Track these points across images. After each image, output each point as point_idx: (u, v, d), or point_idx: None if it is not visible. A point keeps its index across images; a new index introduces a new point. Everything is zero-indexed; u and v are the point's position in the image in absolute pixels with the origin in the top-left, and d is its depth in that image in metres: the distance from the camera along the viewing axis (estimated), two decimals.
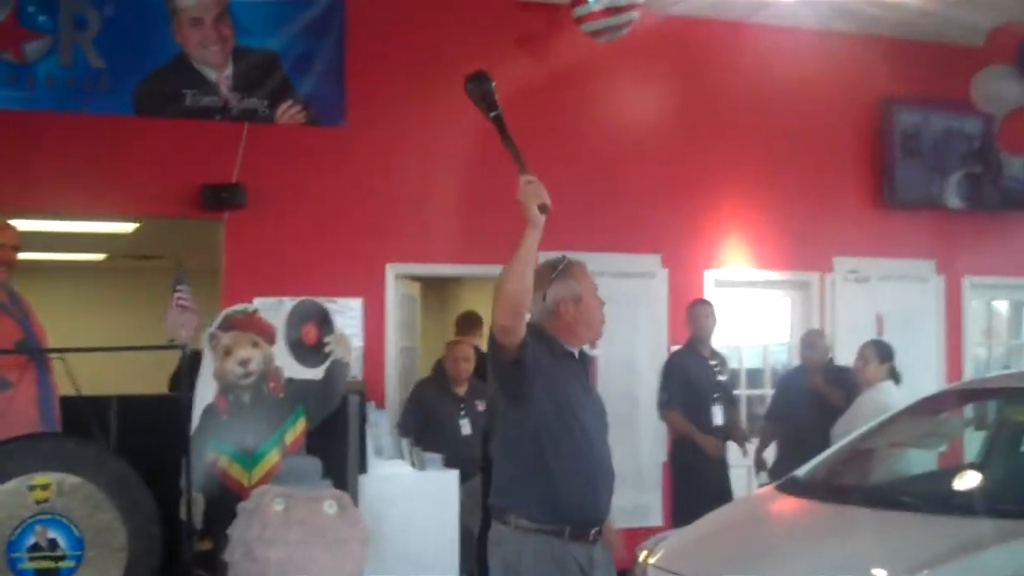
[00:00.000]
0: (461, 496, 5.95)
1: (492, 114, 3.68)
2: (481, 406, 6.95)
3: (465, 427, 7.02)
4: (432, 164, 7.99)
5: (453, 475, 5.84)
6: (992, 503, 4.71)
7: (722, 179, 8.75)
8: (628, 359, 8.33)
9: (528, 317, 3.49)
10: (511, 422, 3.60)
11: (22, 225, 5.62)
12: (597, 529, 3.61)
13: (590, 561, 3.58)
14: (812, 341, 7.53)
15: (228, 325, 5.44)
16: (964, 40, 8.54)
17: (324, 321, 5.69)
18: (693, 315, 7.40)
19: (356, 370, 7.17)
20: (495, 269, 8.09)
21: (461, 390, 7.18)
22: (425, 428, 6.91)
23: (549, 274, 3.72)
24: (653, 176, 8.52)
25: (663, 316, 8.44)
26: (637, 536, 4.99)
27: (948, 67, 8.73)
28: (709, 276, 8.70)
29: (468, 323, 8.33)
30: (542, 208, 3.37)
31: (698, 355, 7.28)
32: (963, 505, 4.66)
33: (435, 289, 10.27)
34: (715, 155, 8.71)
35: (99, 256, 11.56)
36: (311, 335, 5.60)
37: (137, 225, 8.97)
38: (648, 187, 8.50)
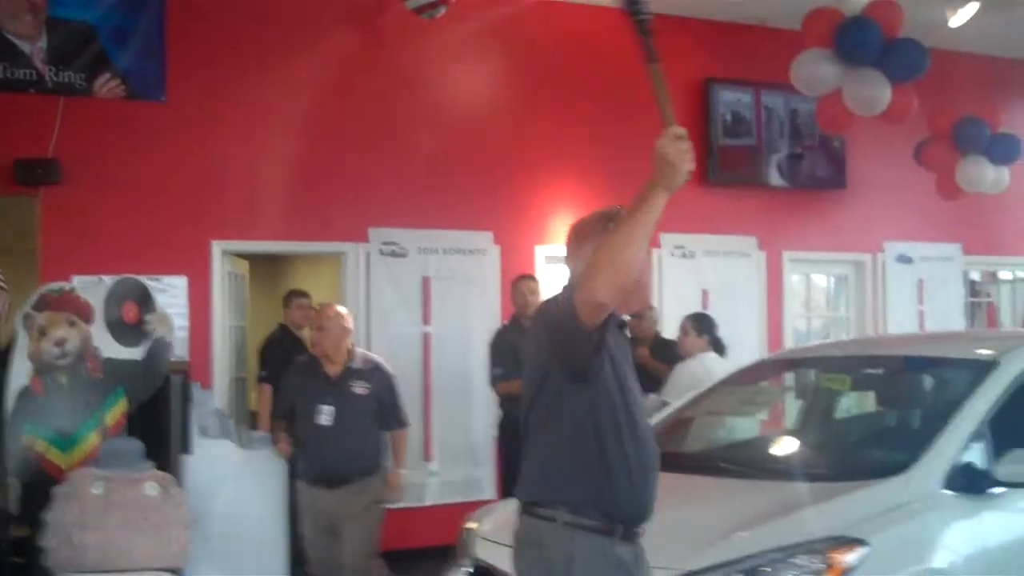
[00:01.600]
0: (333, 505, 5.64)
1: (640, 17, 3.08)
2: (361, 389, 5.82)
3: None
4: (258, 140, 7.85)
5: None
6: (807, 467, 4.94)
7: (551, 157, 8.84)
8: (461, 335, 8.36)
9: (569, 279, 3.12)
10: (565, 406, 3.06)
11: None
12: (643, 527, 3.17)
13: (635, 560, 3.12)
14: (639, 315, 7.69)
15: (43, 304, 5.24)
16: (784, 23, 8.85)
17: (144, 300, 5.53)
18: (517, 291, 7.46)
19: (181, 350, 6.98)
20: (326, 246, 8.21)
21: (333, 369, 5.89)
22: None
23: (606, 225, 3.09)
24: (485, 155, 8.56)
25: (495, 292, 8.48)
26: (472, 509, 5.01)
27: (770, 49, 9.03)
28: (540, 252, 8.79)
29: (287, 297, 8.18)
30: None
31: (524, 330, 7.33)
32: (780, 470, 4.83)
33: (264, 267, 10.07)
34: (544, 133, 8.80)
35: None
36: (131, 314, 5.44)
37: None
38: (480, 166, 8.54)
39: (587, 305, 2.84)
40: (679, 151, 2.88)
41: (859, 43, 6.67)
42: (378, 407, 5.78)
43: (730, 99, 9.55)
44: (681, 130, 2.90)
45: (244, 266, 8.42)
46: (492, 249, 8.58)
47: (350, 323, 5.88)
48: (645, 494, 3.12)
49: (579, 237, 3.17)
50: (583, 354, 2.95)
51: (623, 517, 3.08)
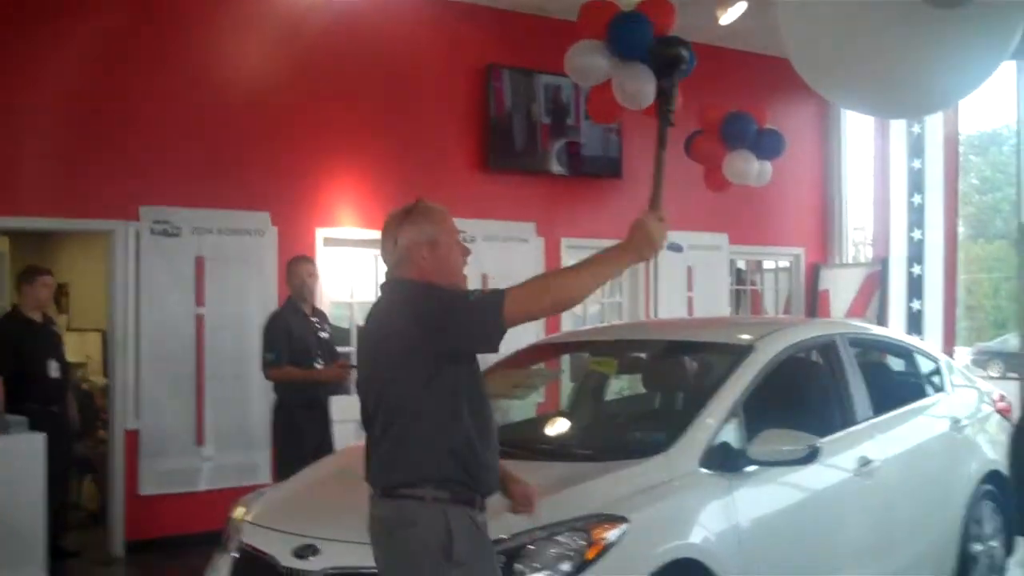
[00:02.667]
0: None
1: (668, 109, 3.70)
2: None
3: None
4: (19, 108, 7.45)
5: (39, 438, 5.49)
6: (574, 448, 5.08)
7: (334, 140, 8.77)
8: (237, 317, 8.19)
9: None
10: (434, 386, 3.23)
11: None
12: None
13: (486, 526, 3.34)
14: None
15: None
16: (561, 14, 9.04)
17: None
18: (294, 273, 7.30)
19: None
20: (94, 224, 7.86)
21: None
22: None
23: (401, 218, 3.41)
24: (264, 134, 8.41)
25: (273, 274, 8.34)
26: (247, 494, 4.91)
27: (549, 38, 9.19)
28: (320, 234, 8.70)
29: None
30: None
31: (299, 312, 7.23)
32: (549, 451, 4.96)
33: (29, 246, 9.58)
34: (328, 115, 8.72)
35: None
36: None
37: None
38: (258, 145, 8.38)
39: (521, 311, 3.16)
40: (660, 231, 3.33)
41: (629, 37, 6.83)
42: None
43: (511, 86, 9.68)
44: (665, 213, 3.37)
45: (4, 243, 7.99)
46: (270, 230, 8.43)
47: None
48: (496, 464, 3.39)
49: (386, 231, 3.42)
50: (489, 338, 3.20)
51: (483, 488, 3.32)
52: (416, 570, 3.22)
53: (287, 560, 3.90)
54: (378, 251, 3.55)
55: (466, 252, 3.53)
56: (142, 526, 7.83)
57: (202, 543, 7.39)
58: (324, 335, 7.29)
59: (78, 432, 8.10)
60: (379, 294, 3.51)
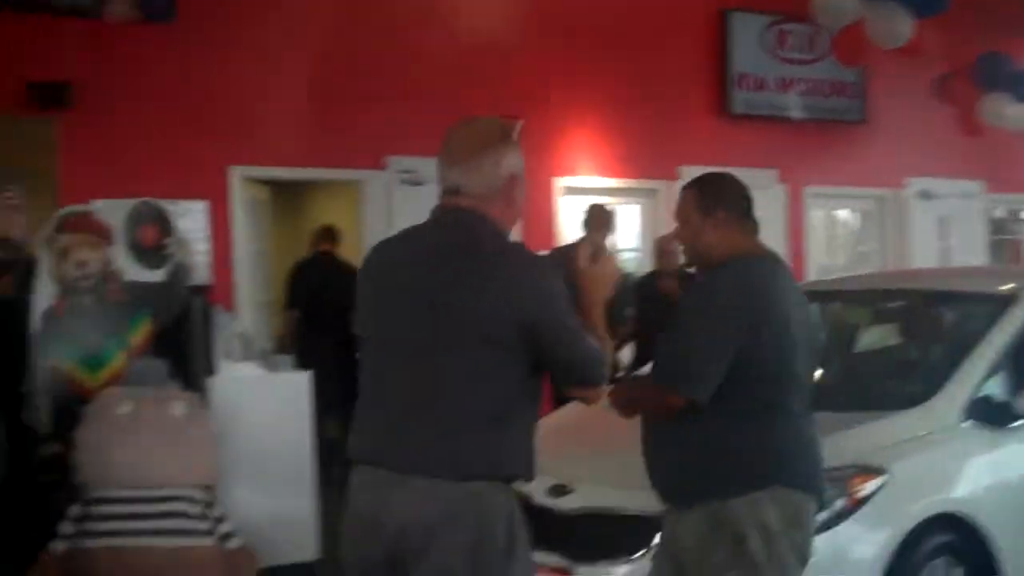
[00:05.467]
0: None
1: None
2: None
3: None
4: (272, 64, 7.74)
5: (304, 377, 5.76)
6: (828, 398, 4.94)
7: (569, 89, 8.76)
8: None
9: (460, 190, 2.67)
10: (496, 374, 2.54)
11: None
12: None
13: None
14: (664, 247, 7.65)
15: (63, 227, 5.22)
16: None
17: (163, 223, 5.51)
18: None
19: (203, 274, 6.99)
20: (345, 173, 8.14)
21: None
22: None
23: (504, 135, 2.71)
24: (504, 82, 8.44)
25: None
26: None
27: None
28: (558, 183, 8.75)
29: (331, 236, 8.24)
30: None
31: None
32: None
33: (286, 194, 10.04)
34: (562, 65, 8.71)
35: None
36: (149, 237, 5.42)
37: None
38: (498, 93, 8.43)
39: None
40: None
41: None
42: None
43: (748, 29, 9.44)
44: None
45: (264, 192, 8.40)
46: None
47: None
48: None
49: (473, 140, 2.71)
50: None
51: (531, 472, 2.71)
52: None
53: (541, 498, 3.98)
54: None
55: None
56: None
57: None
58: None
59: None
60: (448, 224, 2.70)
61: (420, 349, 2.57)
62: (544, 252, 7.42)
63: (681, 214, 3.27)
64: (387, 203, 8.12)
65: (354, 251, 8.72)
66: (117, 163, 7.17)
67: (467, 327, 2.52)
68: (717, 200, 3.20)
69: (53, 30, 7.06)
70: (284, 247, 9.38)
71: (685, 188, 3.30)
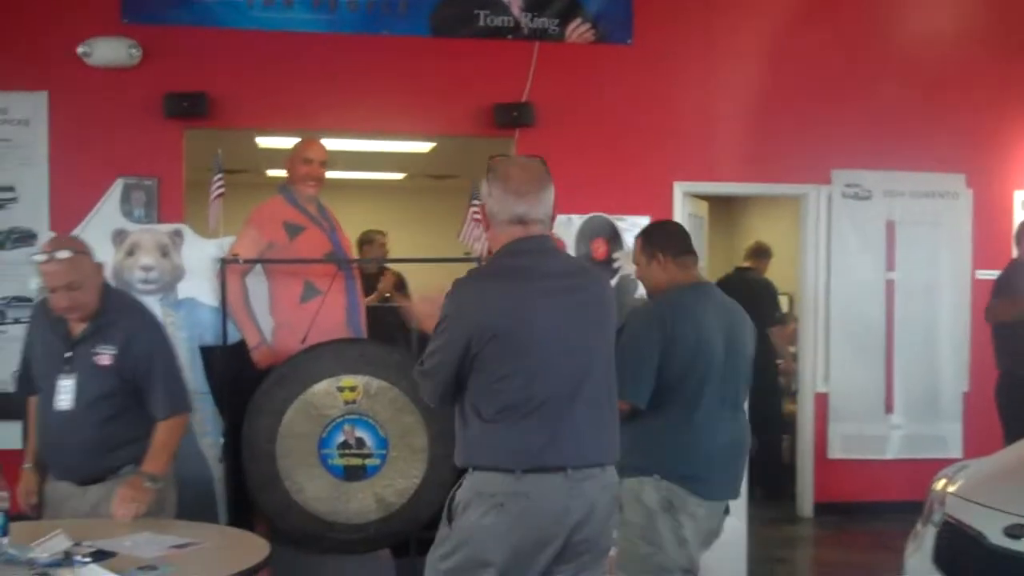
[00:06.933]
0: None
1: None
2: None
3: None
4: (719, 81, 7.83)
5: None
6: None
7: None
8: (927, 283, 8.03)
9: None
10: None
11: (329, 144, 5.92)
12: None
13: None
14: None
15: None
16: None
17: (613, 237, 5.72)
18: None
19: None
20: (786, 188, 8.08)
21: None
22: None
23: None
24: (953, 91, 8.02)
25: (967, 238, 8.05)
26: (935, 467, 4.77)
27: None
28: (1019, 196, 8.15)
29: (759, 253, 8.18)
30: None
31: None
32: None
33: (720, 209, 10.12)
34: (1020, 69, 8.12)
35: (398, 175, 12.02)
36: (600, 250, 5.65)
37: (433, 145, 9.26)
38: (947, 103, 8.00)
39: None
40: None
41: None
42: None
43: None
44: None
45: (703, 208, 8.50)
46: (964, 193, 8.05)
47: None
48: None
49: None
50: None
51: None
52: None
53: (997, 538, 3.71)
54: None
55: None
56: (830, 489, 7.91)
57: (888, 512, 7.42)
58: None
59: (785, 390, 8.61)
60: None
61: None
62: None
63: (635, 257, 4.14)
64: (827, 218, 7.94)
65: (790, 265, 8.62)
66: (569, 178, 7.46)
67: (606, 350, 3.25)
68: (656, 246, 4.01)
69: (518, 54, 7.50)
70: (717, 262, 9.43)
71: (636, 237, 4.18)
